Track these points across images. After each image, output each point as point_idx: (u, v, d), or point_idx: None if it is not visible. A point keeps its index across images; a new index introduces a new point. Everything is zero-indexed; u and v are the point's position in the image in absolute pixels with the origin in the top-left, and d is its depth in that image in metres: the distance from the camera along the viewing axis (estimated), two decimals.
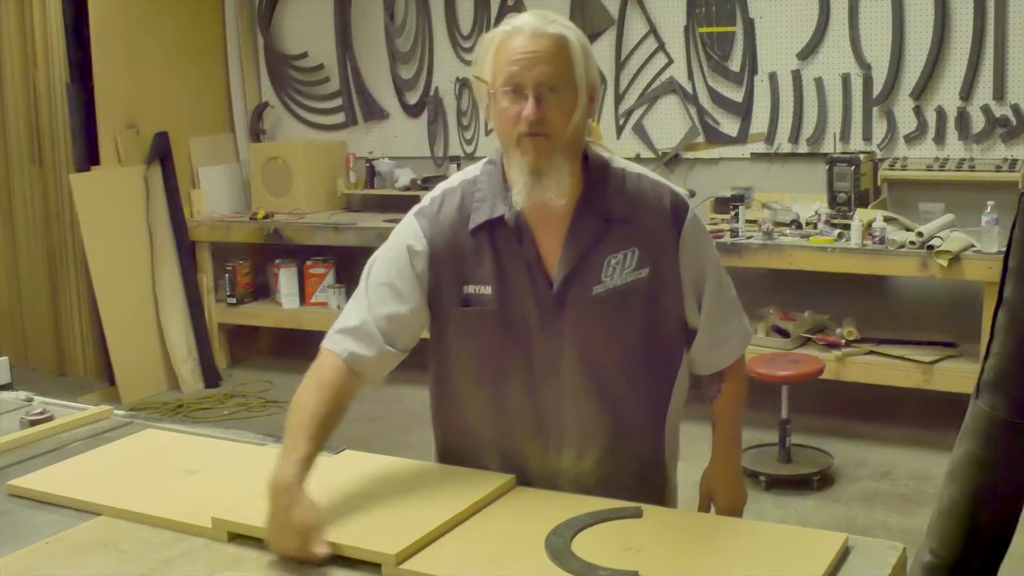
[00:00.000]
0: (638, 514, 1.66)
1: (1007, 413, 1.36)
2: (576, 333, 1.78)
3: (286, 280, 5.84)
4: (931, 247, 4.16)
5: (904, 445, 4.39)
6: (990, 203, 4.12)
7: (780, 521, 3.70)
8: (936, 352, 4.38)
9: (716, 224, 4.71)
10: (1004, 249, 1.38)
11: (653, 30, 5.17)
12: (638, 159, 5.03)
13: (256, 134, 6.21)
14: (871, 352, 4.48)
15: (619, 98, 5.29)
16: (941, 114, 4.61)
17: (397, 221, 1.91)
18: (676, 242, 1.80)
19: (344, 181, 5.93)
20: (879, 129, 4.76)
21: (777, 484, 4.08)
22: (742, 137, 5.07)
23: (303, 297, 5.88)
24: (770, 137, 4.99)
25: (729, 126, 5.10)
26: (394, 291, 1.79)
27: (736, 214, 4.61)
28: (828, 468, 4.15)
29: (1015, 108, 4.45)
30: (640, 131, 5.28)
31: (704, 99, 5.13)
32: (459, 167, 5.18)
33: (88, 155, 5.46)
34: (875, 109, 4.75)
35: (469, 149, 5.72)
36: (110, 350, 5.38)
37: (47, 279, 5.83)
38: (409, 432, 3.93)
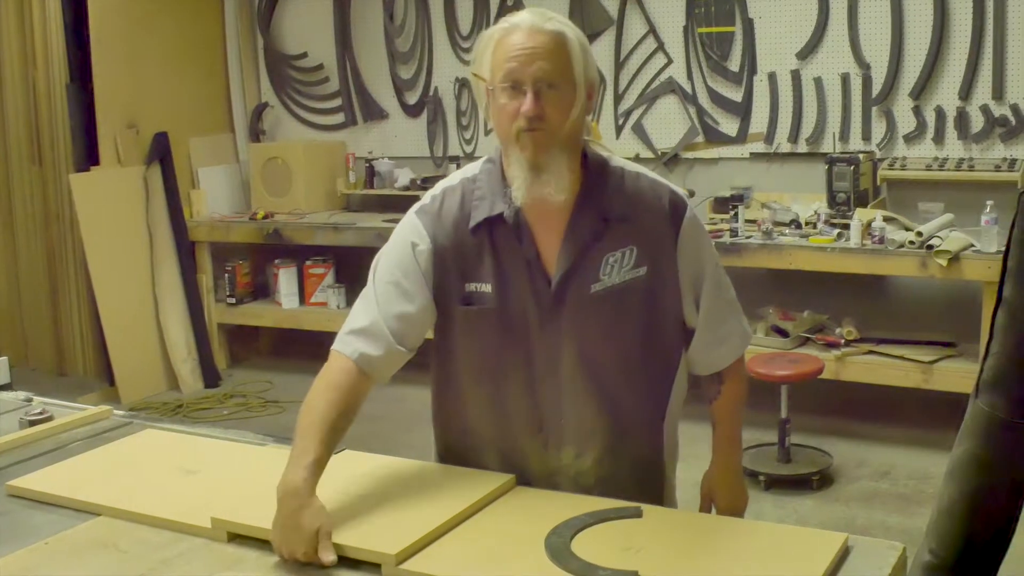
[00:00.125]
0: (638, 514, 1.66)
1: (1006, 413, 1.36)
2: (575, 331, 1.79)
3: (286, 280, 5.84)
4: (930, 247, 4.16)
5: (903, 445, 4.39)
6: (989, 203, 4.12)
7: (780, 521, 3.70)
8: (935, 352, 4.39)
9: (715, 224, 4.71)
10: (1003, 249, 1.38)
11: (652, 30, 5.17)
12: (637, 159, 5.04)
13: (256, 134, 6.21)
14: (870, 352, 4.48)
15: (618, 98, 5.30)
16: (940, 114, 4.61)
17: (397, 221, 1.91)
18: (674, 241, 1.80)
19: (344, 181, 5.93)
20: (878, 129, 4.76)
21: (776, 484, 4.08)
22: (741, 137, 5.07)
23: (303, 297, 5.88)
24: (769, 137, 5.00)
25: (728, 126, 5.10)
26: (401, 290, 1.80)
27: (735, 214, 4.61)
28: (827, 468, 4.16)
29: (1014, 108, 4.45)
30: (639, 131, 5.28)
31: (703, 99, 5.13)
32: (458, 167, 5.16)
33: (88, 155, 5.47)
34: (874, 109, 4.75)
35: (468, 149, 5.72)
36: (110, 350, 5.38)
37: (47, 279, 5.83)
38: (409, 432, 3.93)
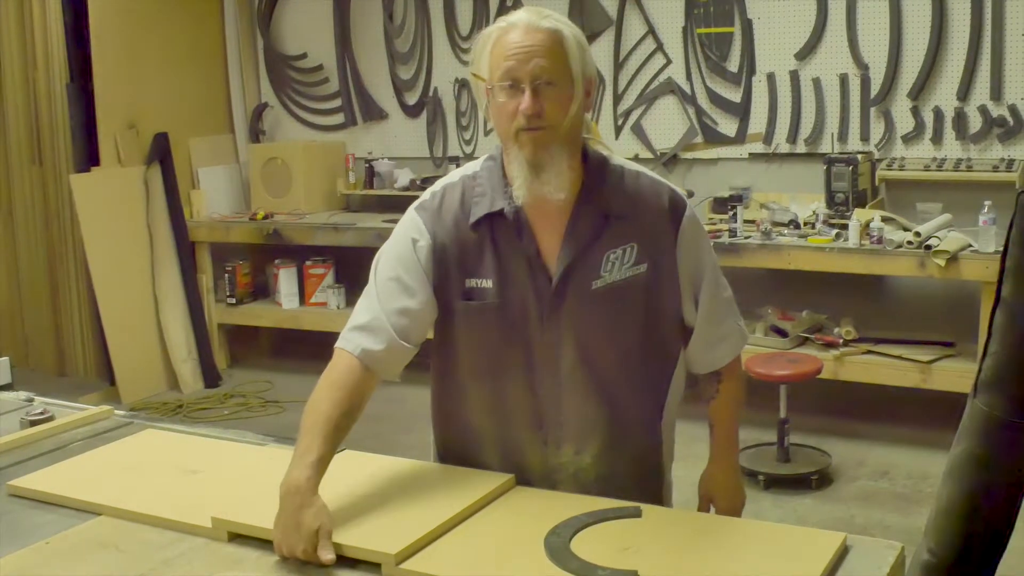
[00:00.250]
0: (637, 514, 1.66)
1: (1005, 412, 1.36)
2: (575, 327, 1.79)
3: (286, 280, 5.85)
4: (929, 247, 4.17)
5: (902, 444, 4.40)
6: (987, 203, 4.13)
7: (778, 520, 3.70)
8: (934, 351, 4.39)
9: (714, 224, 4.72)
10: (1001, 248, 1.39)
11: (651, 31, 5.17)
12: (636, 159, 5.03)
13: (256, 135, 6.21)
14: (869, 352, 4.48)
15: (618, 98, 5.30)
16: (938, 114, 4.61)
17: (396, 221, 1.91)
18: (674, 239, 1.81)
19: (343, 181, 5.94)
20: (877, 129, 4.76)
21: (775, 483, 4.09)
22: (740, 137, 5.07)
23: (303, 297, 5.88)
24: (768, 137, 5.00)
25: (727, 126, 5.10)
26: (402, 285, 1.80)
27: (734, 214, 4.62)
28: (826, 467, 4.16)
29: (1012, 108, 4.45)
30: (638, 131, 5.29)
31: (702, 99, 5.14)
32: (458, 167, 5.18)
33: (88, 155, 5.47)
34: (873, 109, 4.76)
35: (468, 149, 5.72)
36: (110, 350, 5.38)
37: (47, 279, 5.84)
38: (409, 432, 3.94)
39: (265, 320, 5.94)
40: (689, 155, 5.24)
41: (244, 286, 5.97)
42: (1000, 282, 1.39)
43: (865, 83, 4.75)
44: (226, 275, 5.89)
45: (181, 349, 5.62)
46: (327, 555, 1.55)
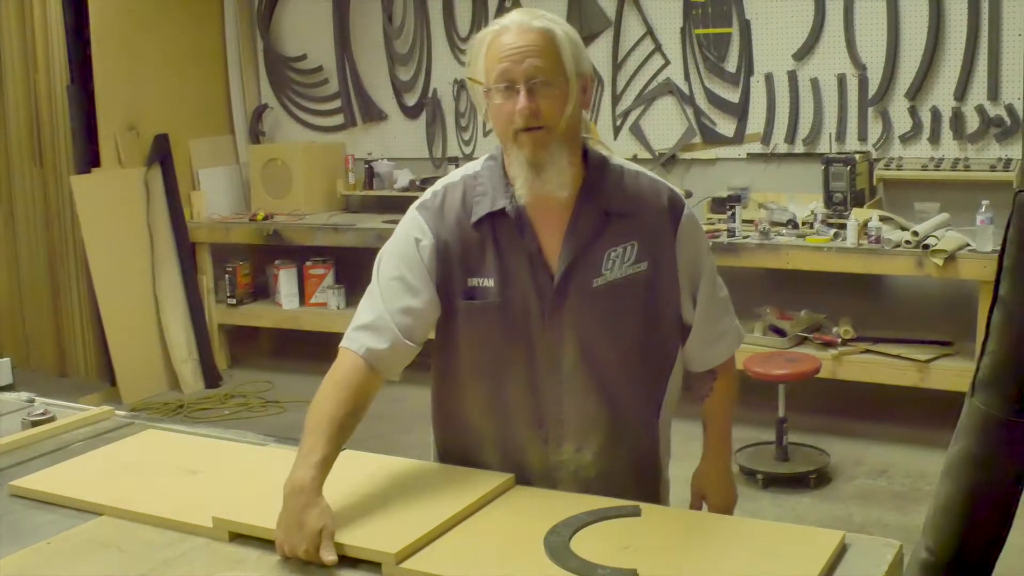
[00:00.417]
0: (636, 513, 1.67)
1: (1002, 411, 1.37)
2: (576, 325, 1.80)
3: (286, 281, 5.85)
4: (926, 246, 4.18)
5: (900, 443, 4.41)
6: (985, 202, 4.14)
7: (777, 519, 3.70)
8: (932, 351, 4.40)
9: (713, 224, 4.72)
10: (999, 248, 1.39)
11: (650, 31, 5.18)
12: (635, 159, 5.03)
13: (255, 136, 6.22)
14: (867, 351, 4.49)
15: (616, 99, 5.31)
16: (936, 114, 4.62)
17: (396, 222, 1.91)
18: (673, 237, 1.83)
19: (343, 182, 5.94)
20: (875, 129, 4.77)
21: (774, 482, 4.09)
22: (738, 137, 5.08)
23: (303, 298, 5.89)
24: (766, 137, 5.01)
25: (725, 127, 5.11)
26: (405, 284, 1.80)
27: (733, 214, 4.63)
28: (825, 466, 4.17)
29: (1009, 108, 4.46)
30: (637, 132, 5.29)
31: (701, 100, 5.14)
32: (458, 168, 5.19)
33: (88, 157, 5.47)
34: (871, 109, 4.76)
35: (467, 150, 5.73)
36: (111, 351, 5.39)
37: (48, 281, 5.84)
38: (409, 432, 3.94)
39: (265, 320, 5.95)
40: (687, 155, 5.24)
41: (244, 287, 5.97)
42: (998, 281, 1.39)
43: (863, 83, 4.76)
44: (226, 276, 5.90)
45: (182, 349, 5.63)
46: (329, 556, 1.55)
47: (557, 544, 1.56)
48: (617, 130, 5.32)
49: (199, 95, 6.01)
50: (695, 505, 2.02)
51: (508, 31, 1.73)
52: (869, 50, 4.72)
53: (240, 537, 1.65)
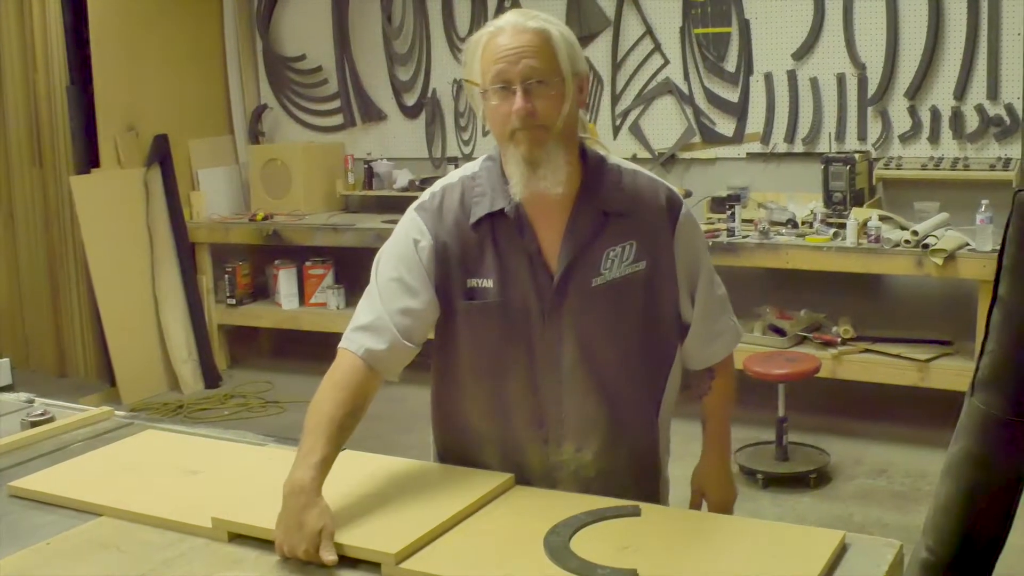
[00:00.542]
0: (636, 512, 1.67)
1: (1002, 410, 1.36)
2: (576, 324, 1.80)
3: (285, 281, 5.85)
4: (926, 246, 4.18)
5: (900, 443, 4.41)
6: (984, 202, 4.14)
7: (777, 519, 3.71)
8: (932, 350, 4.40)
9: (712, 224, 4.72)
10: (999, 247, 1.39)
11: (649, 31, 5.18)
12: (635, 159, 5.03)
13: (255, 136, 6.22)
14: (867, 350, 4.49)
15: (615, 99, 5.31)
16: (935, 114, 4.62)
17: (395, 222, 1.91)
18: (671, 236, 1.83)
19: (342, 182, 5.95)
20: (874, 129, 4.77)
21: (774, 482, 4.09)
22: (738, 137, 5.08)
23: (302, 298, 5.89)
24: (766, 137, 5.01)
25: (725, 126, 5.11)
26: (404, 285, 1.81)
27: (732, 214, 4.63)
28: (825, 466, 4.17)
29: (1008, 107, 4.46)
30: (636, 131, 5.30)
31: (700, 99, 5.15)
32: (457, 168, 5.19)
33: (88, 157, 5.48)
34: (870, 109, 4.76)
35: (467, 150, 5.73)
36: (110, 351, 5.39)
37: (48, 281, 5.84)
38: (409, 432, 3.94)
39: (265, 321, 5.95)
40: (687, 155, 5.24)
41: (244, 287, 5.98)
42: (997, 281, 1.39)
43: (862, 83, 4.76)
44: (226, 276, 5.90)
45: (181, 350, 5.63)
46: (329, 556, 1.55)
47: (557, 544, 1.56)
48: (616, 130, 5.32)
49: (199, 95, 6.02)
50: (695, 503, 2.02)
51: (503, 32, 1.73)
52: (868, 50, 4.72)
53: (239, 537, 1.65)
